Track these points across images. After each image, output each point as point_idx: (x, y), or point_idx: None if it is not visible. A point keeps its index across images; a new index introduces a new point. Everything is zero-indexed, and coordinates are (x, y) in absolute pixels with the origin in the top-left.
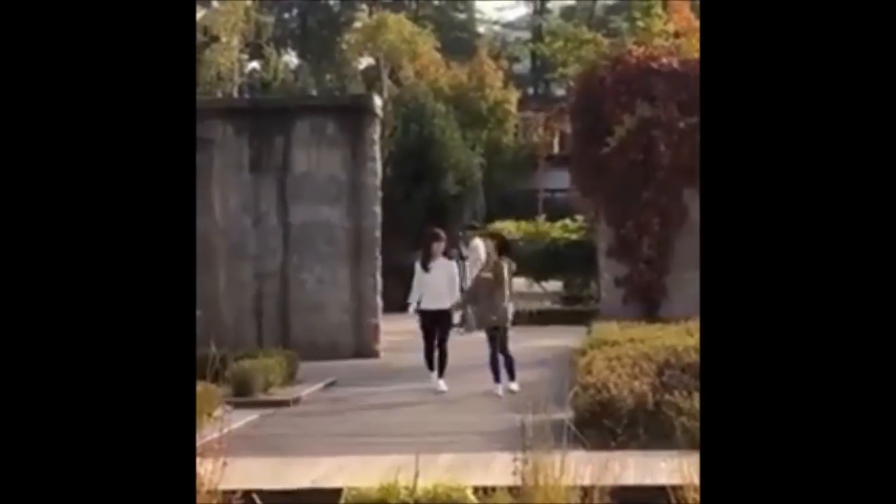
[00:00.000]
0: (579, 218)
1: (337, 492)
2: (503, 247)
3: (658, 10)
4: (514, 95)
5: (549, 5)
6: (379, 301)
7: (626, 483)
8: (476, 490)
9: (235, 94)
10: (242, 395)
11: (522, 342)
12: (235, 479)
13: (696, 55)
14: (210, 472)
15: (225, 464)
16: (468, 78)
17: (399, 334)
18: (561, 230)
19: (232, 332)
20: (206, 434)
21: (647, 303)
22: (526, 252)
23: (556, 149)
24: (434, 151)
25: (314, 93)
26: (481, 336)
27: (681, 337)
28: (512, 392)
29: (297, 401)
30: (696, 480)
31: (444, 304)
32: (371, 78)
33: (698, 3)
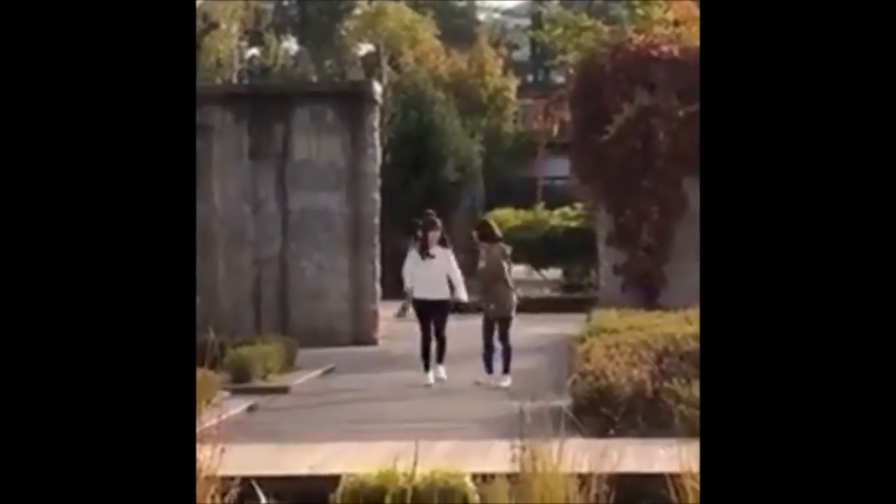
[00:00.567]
0: (578, 206)
1: (335, 478)
2: (489, 234)
3: None
4: (513, 83)
5: None
6: (378, 288)
7: (624, 471)
8: (474, 477)
9: (235, 81)
10: (241, 381)
11: (521, 330)
12: (234, 466)
13: (696, 43)
14: (208, 459)
15: (223, 450)
16: (468, 65)
17: (400, 321)
18: (560, 218)
19: (230, 319)
20: (205, 420)
21: (646, 291)
22: (525, 240)
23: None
24: (433, 139)
25: (314, 79)
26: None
27: (680, 325)
28: (503, 388)
29: (295, 387)
30: (695, 468)
31: (441, 293)
32: (371, 65)
33: None
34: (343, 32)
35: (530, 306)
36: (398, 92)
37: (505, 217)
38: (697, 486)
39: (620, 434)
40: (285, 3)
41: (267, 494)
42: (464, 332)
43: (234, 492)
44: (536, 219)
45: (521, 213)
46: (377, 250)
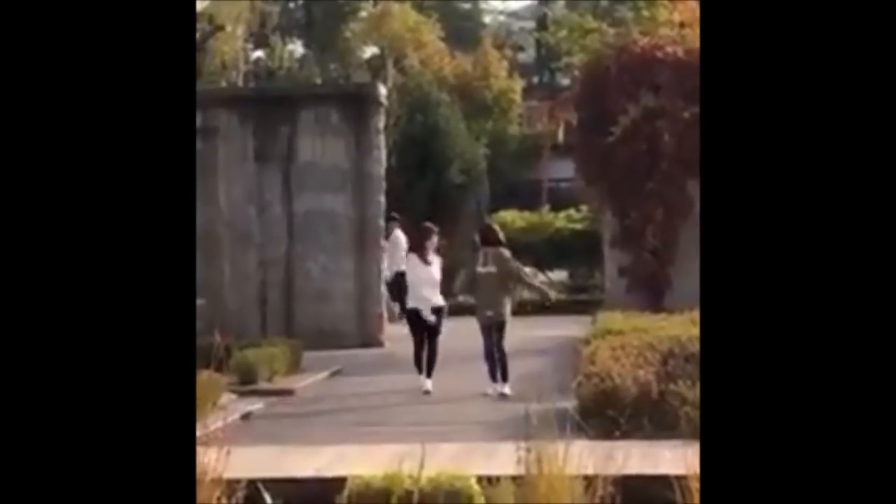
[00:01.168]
0: (584, 208)
1: (341, 480)
2: (492, 238)
3: None
4: (518, 85)
5: None
6: (383, 290)
7: (629, 472)
8: (480, 479)
9: (240, 84)
10: (246, 383)
11: (527, 331)
12: (239, 468)
13: None
14: (214, 461)
15: (229, 452)
16: (473, 67)
17: (403, 324)
18: (565, 220)
19: (236, 321)
20: (211, 423)
21: (651, 292)
22: (530, 242)
23: (560, 138)
24: (438, 141)
25: (319, 82)
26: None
27: (685, 327)
28: (504, 396)
29: (300, 390)
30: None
31: (437, 300)
32: (376, 67)
33: None
34: (348, 35)
35: (535, 308)
36: (403, 94)
37: (510, 219)
38: None
39: (626, 436)
40: (290, 5)
41: (272, 497)
42: (463, 335)
43: (239, 494)
44: (541, 221)
45: (527, 215)
46: (382, 252)
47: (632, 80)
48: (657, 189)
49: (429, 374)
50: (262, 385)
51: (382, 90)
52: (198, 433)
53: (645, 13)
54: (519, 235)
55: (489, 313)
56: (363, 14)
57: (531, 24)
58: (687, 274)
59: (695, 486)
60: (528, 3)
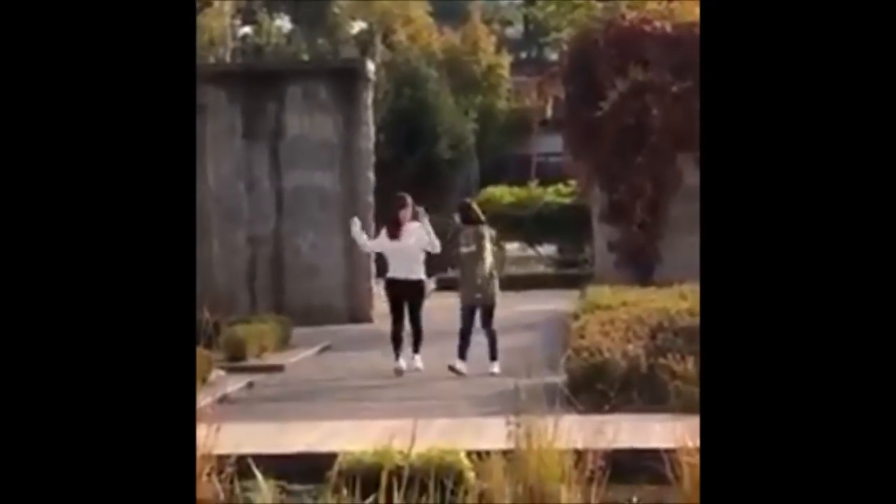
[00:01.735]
0: (572, 182)
1: (332, 456)
2: (471, 217)
3: None
4: (506, 60)
5: None
6: (373, 266)
7: (619, 446)
8: (470, 454)
9: (228, 60)
10: (236, 360)
11: (516, 306)
12: (229, 444)
13: (689, 19)
14: (204, 438)
15: (219, 429)
16: (461, 42)
17: None
18: (554, 194)
19: (225, 298)
20: (200, 399)
21: (640, 267)
22: (519, 216)
23: (549, 113)
24: (427, 116)
25: (307, 57)
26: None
27: (674, 300)
28: (493, 374)
29: (290, 366)
30: (690, 443)
31: (416, 273)
32: (364, 43)
33: None
34: (336, 10)
35: (524, 283)
36: (391, 70)
37: (499, 194)
38: (693, 461)
39: (615, 410)
40: None
41: (263, 473)
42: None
43: (229, 470)
44: (530, 195)
45: (515, 189)
46: (372, 228)
47: (620, 54)
48: (646, 163)
49: (415, 350)
50: (252, 361)
51: (371, 66)
52: None
53: None
54: (507, 210)
55: (478, 295)
56: None
57: None
58: (676, 248)
59: (684, 459)
60: None
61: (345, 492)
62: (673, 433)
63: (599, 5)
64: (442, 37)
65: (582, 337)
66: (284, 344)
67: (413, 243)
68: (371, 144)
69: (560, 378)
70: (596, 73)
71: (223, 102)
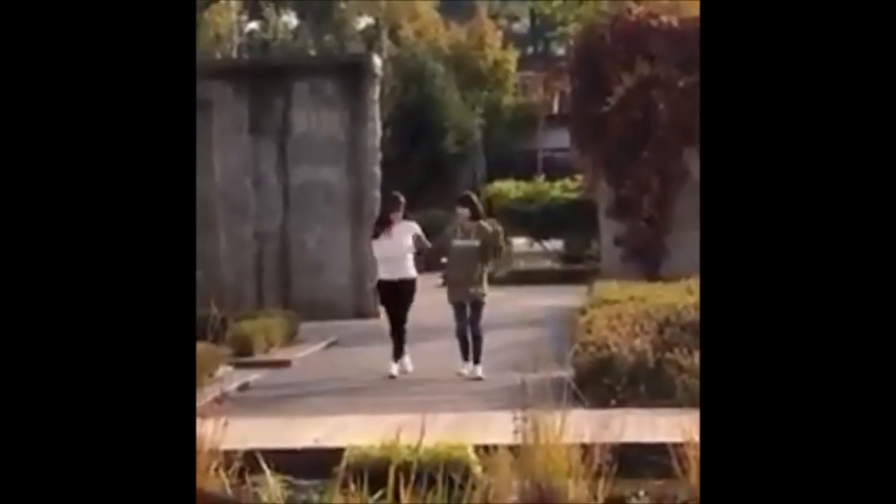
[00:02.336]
0: (579, 177)
1: (339, 451)
2: (474, 210)
3: None
4: (513, 55)
5: None
6: None
7: (626, 441)
8: (477, 449)
9: (234, 55)
10: (243, 355)
11: (523, 301)
12: (236, 439)
13: (695, 13)
14: (211, 432)
15: (226, 423)
16: (467, 37)
17: None
18: (561, 189)
19: (232, 293)
20: (207, 394)
21: (647, 261)
22: (526, 211)
23: (555, 108)
24: (433, 111)
25: (313, 53)
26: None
27: (681, 295)
28: (478, 379)
29: (297, 361)
30: (697, 437)
31: (408, 272)
32: (370, 38)
33: None
34: (342, 6)
35: (531, 278)
36: (398, 65)
37: (505, 189)
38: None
39: (623, 404)
40: None
41: (271, 467)
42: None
43: (236, 465)
44: (537, 190)
45: (522, 184)
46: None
47: (626, 48)
48: (652, 158)
49: (398, 353)
50: (259, 356)
51: (377, 61)
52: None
53: None
54: (514, 205)
55: (471, 290)
56: None
57: None
58: (682, 242)
59: (692, 453)
60: None
61: (352, 487)
62: (680, 427)
63: (606, 0)
64: (448, 32)
65: (589, 332)
66: (291, 339)
67: (403, 243)
68: (377, 140)
69: (567, 373)
70: (602, 67)
71: (230, 98)
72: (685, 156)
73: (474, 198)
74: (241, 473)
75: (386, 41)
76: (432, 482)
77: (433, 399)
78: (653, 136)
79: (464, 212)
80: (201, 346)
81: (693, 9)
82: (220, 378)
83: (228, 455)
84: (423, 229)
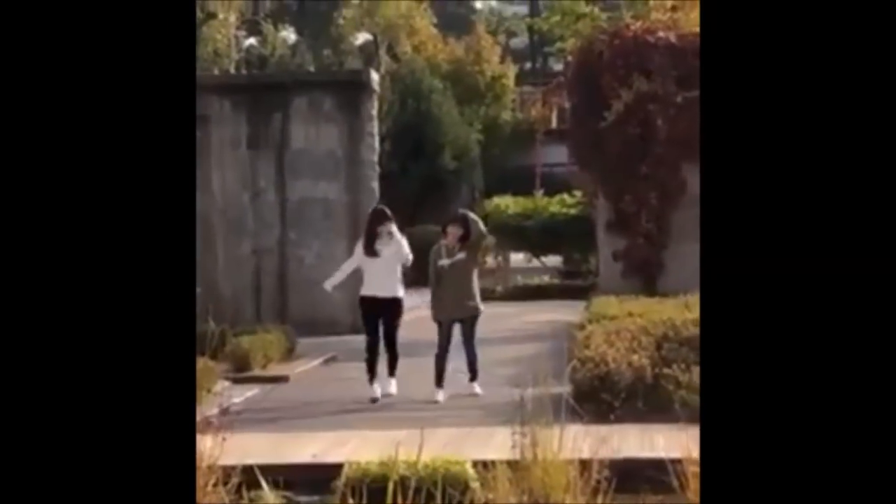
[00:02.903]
0: (577, 193)
1: (337, 466)
2: (468, 235)
3: None
4: (511, 70)
5: None
6: None
7: (624, 456)
8: (475, 464)
9: (233, 71)
10: (241, 370)
11: (521, 317)
12: (235, 455)
13: (694, 29)
14: (209, 448)
15: (224, 439)
16: (465, 53)
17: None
18: (559, 205)
19: (230, 308)
20: (206, 410)
21: (645, 277)
22: (524, 227)
23: (554, 123)
24: (431, 127)
25: (311, 69)
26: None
27: (679, 311)
28: (476, 395)
29: (295, 376)
30: (696, 453)
31: (392, 290)
32: (368, 54)
33: None
34: (340, 21)
35: (529, 293)
36: (396, 80)
37: (504, 204)
38: (698, 471)
39: (621, 420)
40: None
41: (269, 483)
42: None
43: (235, 481)
44: (535, 206)
45: (521, 200)
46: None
47: (624, 64)
48: (650, 173)
49: (390, 374)
50: (257, 372)
51: (375, 77)
52: None
53: None
54: (512, 221)
55: (469, 303)
56: (355, 0)
57: (524, 10)
58: (681, 258)
59: (690, 469)
60: None
61: (351, 502)
62: (678, 443)
63: (604, 16)
64: (446, 47)
65: (587, 347)
66: (289, 354)
67: (391, 258)
68: (375, 155)
69: (565, 388)
70: (601, 83)
71: (228, 113)
72: (683, 171)
73: (469, 214)
74: (239, 489)
75: (384, 57)
76: (431, 497)
77: (431, 415)
78: (651, 151)
79: (455, 231)
80: (199, 362)
81: (691, 25)
82: (218, 393)
83: (226, 471)
84: (421, 244)
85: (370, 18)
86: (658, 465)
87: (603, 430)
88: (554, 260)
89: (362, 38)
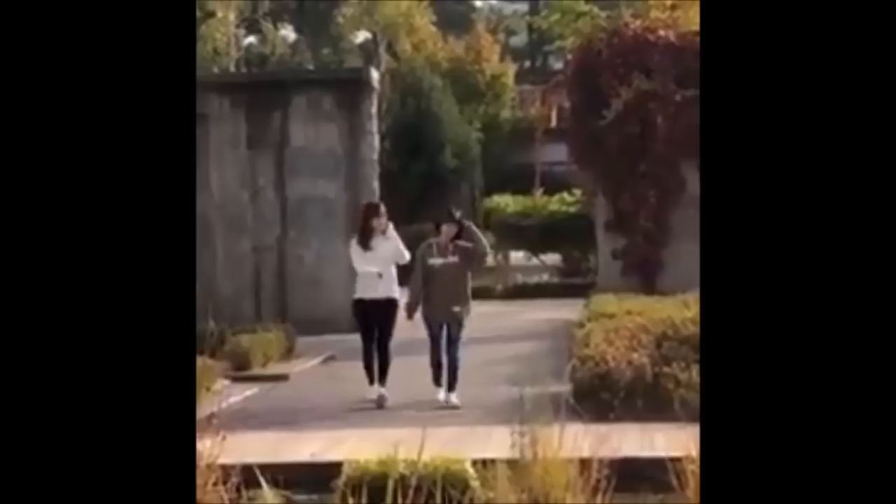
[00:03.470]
0: (577, 191)
1: (337, 465)
2: (461, 234)
3: None
4: (511, 69)
5: None
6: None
7: (624, 455)
8: (475, 463)
9: (232, 69)
10: (241, 369)
11: (520, 315)
12: (234, 454)
13: (693, 28)
14: (208, 447)
15: (223, 438)
16: (465, 52)
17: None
18: (558, 203)
19: (230, 307)
20: (205, 409)
21: (644, 275)
22: (524, 225)
23: (553, 122)
24: (431, 125)
25: (311, 67)
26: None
27: (678, 309)
28: (455, 408)
29: (295, 375)
30: (695, 452)
31: (388, 291)
32: (368, 52)
33: None
34: (340, 20)
35: (529, 292)
36: (396, 79)
37: (503, 203)
38: (698, 470)
39: (620, 419)
40: None
41: (269, 482)
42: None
43: (234, 480)
44: (535, 204)
45: (520, 198)
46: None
47: (624, 63)
48: (650, 172)
49: (381, 380)
50: (257, 371)
51: (375, 75)
52: None
53: None
54: (512, 219)
55: (454, 308)
56: None
57: (523, 8)
58: (680, 256)
59: (690, 467)
60: None
61: (350, 501)
62: (678, 442)
63: (603, 14)
64: (446, 46)
65: (587, 346)
66: (289, 353)
67: (387, 256)
68: (375, 154)
69: (565, 387)
70: (600, 81)
71: (227, 112)
72: (683, 170)
73: (474, 231)
74: (238, 488)
75: (384, 55)
76: (430, 496)
77: (430, 414)
78: (650, 150)
79: (449, 230)
80: (199, 361)
81: (690, 23)
82: (217, 392)
83: (225, 470)
84: (420, 242)
85: (370, 17)
86: (657, 464)
87: (602, 428)
88: (553, 258)
89: (362, 36)
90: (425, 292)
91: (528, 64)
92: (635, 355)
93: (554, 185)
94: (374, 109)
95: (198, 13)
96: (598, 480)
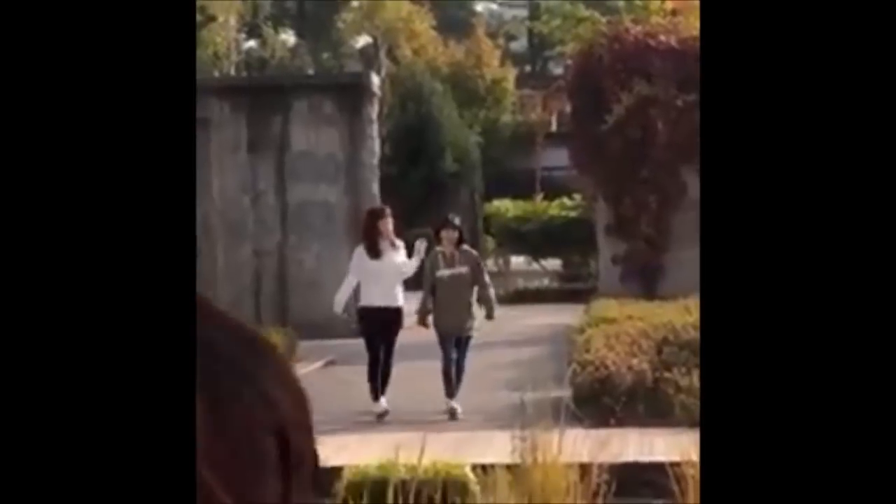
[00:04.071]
0: (577, 196)
1: (337, 470)
2: (462, 236)
3: None
4: (511, 74)
5: None
6: None
7: (624, 460)
8: (475, 468)
9: (233, 73)
10: None
11: (521, 320)
12: None
13: (694, 33)
14: None
15: None
16: (465, 56)
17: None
18: (559, 208)
19: (230, 311)
20: None
21: (645, 280)
22: (524, 230)
23: (554, 127)
24: (431, 130)
25: (311, 72)
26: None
27: (679, 314)
28: (456, 413)
29: None
30: (695, 457)
31: (394, 299)
32: (368, 56)
33: None
34: (340, 24)
35: (529, 297)
36: (396, 84)
37: (504, 208)
38: (698, 475)
39: (621, 424)
40: None
41: None
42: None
43: None
44: (535, 209)
45: (520, 203)
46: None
47: (624, 68)
48: (650, 177)
49: (382, 391)
50: None
51: (375, 80)
52: None
53: (637, 1)
54: (512, 224)
55: (463, 322)
56: (355, 3)
57: (524, 13)
58: (681, 261)
59: (689, 472)
60: None
61: None
62: (678, 447)
63: (604, 19)
64: (446, 51)
65: (587, 351)
66: (289, 357)
67: (392, 264)
68: (375, 158)
69: (565, 392)
70: (601, 86)
71: (228, 116)
72: (683, 175)
73: (457, 220)
74: None
75: (384, 60)
76: (431, 501)
77: (430, 418)
78: (651, 155)
79: (450, 235)
80: None
81: (691, 28)
82: None
83: None
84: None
85: (370, 21)
86: (658, 469)
87: (603, 433)
88: (554, 263)
89: (362, 41)
90: (435, 303)
91: (528, 69)
92: (636, 360)
93: (554, 189)
94: (374, 114)
95: (198, 17)
96: (599, 485)
